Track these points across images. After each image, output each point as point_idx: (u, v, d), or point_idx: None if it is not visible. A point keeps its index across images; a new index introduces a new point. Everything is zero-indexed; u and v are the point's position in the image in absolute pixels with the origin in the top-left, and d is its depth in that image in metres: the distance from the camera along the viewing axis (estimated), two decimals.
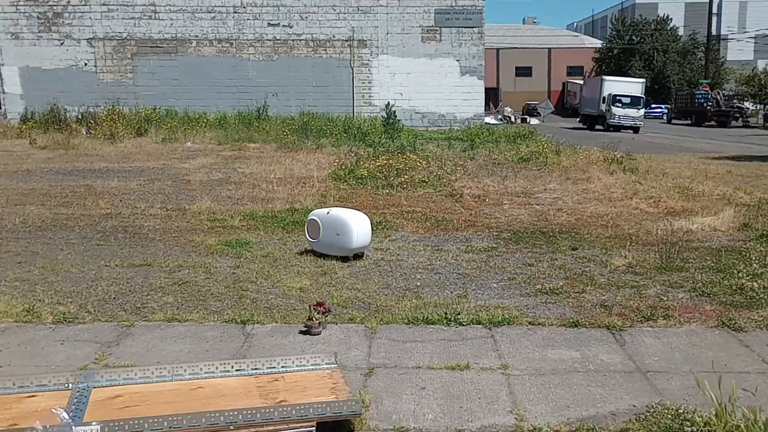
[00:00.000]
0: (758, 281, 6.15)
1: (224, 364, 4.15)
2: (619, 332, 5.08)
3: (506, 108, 55.07)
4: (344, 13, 26.23)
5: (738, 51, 70.29)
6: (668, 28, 67.31)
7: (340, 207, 9.10)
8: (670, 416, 3.69)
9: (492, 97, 59.54)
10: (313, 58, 26.36)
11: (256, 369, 4.12)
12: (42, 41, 27.44)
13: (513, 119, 48.19)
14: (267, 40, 26.52)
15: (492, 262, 7.29)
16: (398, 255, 7.60)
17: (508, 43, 70.62)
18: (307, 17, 26.30)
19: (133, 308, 5.78)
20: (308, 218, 7.62)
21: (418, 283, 6.52)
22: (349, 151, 16.78)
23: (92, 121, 23.46)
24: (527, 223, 9.49)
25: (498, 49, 68.85)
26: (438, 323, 5.36)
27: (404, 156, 15.00)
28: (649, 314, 5.39)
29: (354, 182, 12.81)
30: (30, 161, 16.16)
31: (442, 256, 7.55)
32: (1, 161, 16.03)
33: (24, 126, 23.94)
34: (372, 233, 7.88)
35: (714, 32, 55.49)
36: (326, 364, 4.20)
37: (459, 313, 5.44)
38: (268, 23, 26.51)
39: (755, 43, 69.97)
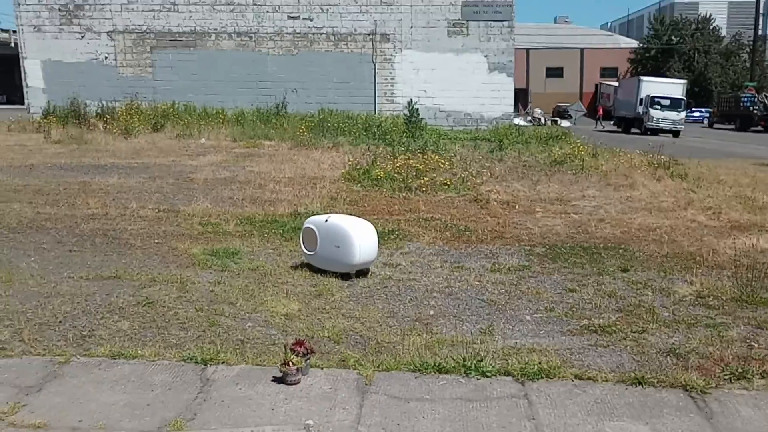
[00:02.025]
0: None
1: None
2: (702, 396, 3.74)
3: (536, 109, 53.37)
4: (366, 6, 25.01)
5: None
6: (710, 28, 64.93)
7: (345, 214, 7.89)
8: None
9: (521, 98, 57.92)
10: (334, 53, 25.20)
11: None
12: (63, 34, 26.70)
13: (543, 121, 46.56)
14: (287, 33, 25.42)
15: (524, 285, 6.01)
16: (410, 273, 6.36)
17: (539, 43, 68.86)
18: (328, 10, 25.13)
19: (76, 337, 4.63)
20: (304, 226, 6.41)
21: (432, 312, 5.28)
22: (366, 150, 15.56)
23: (110, 116, 22.64)
24: (564, 236, 8.17)
25: (528, 49, 67.12)
26: (454, 372, 4.11)
27: (425, 156, 13.74)
28: (739, 369, 4.05)
29: (368, 184, 11.58)
30: (38, 156, 15.23)
31: (462, 276, 6.28)
32: (9, 155, 15.12)
33: (45, 120, 23.19)
34: (381, 245, 6.70)
35: (760, 32, 53.17)
36: None
37: (481, 359, 4.18)
38: (288, 16, 25.40)
39: None
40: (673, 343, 4.55)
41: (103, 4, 26.21)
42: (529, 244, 7.68)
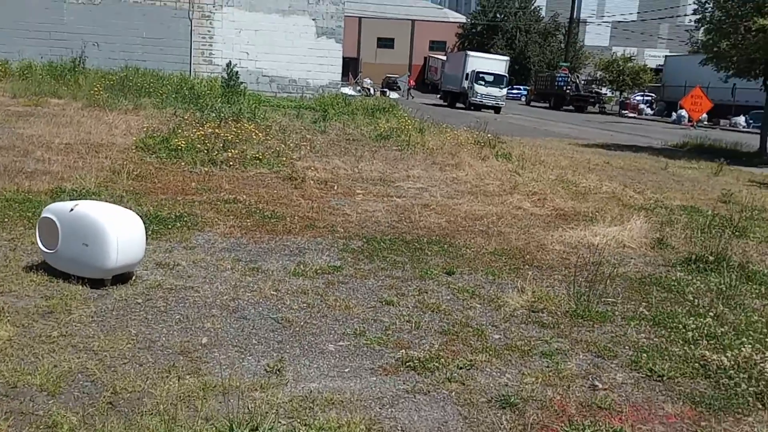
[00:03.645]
0: (724, 352, 4.04)
1: None
2: None
3: (365, 79, 52.77)
4: None
5: (596, 35, 71.82)
6: (531, 8, 67.44)
7: (128, 191, 6.40)
8: None
9: (351, 67, 57.11)
10: (144, 5, 22.51)
11: None
12: None
13: (372, 92, 45.95)
14: None
15: (332, 295, 4.80)
16: (189, 278, 4.94)
17: (371, 12, 68.25)
18: None
19: None
20: (41, 215, 4.77)
21: (205, 340, 3.93)
22: (173, 115, 13.70)
23: None
24: (385, 225, 7.10)
25: (360, 18, 66.29)
26: None
27: (238, 125, 12.18)
28: (586, 426, 3.11)
29: (165, 155, 9.88)
30: None
31: (257, 282, 4.97)
32: None
33: None
34: (162, 236, 5.33)
35: (575, 15, 55.80)
36: None
37: (256, 428, 2.92)
38: None
39: (612, 29, 71.89)
40: (506, 385, 3.54)
41: None
42: (344, 237, 6.51)
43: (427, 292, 4.97)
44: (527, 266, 5.79)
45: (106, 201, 6.96)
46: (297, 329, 4.17)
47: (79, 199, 6.88)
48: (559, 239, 6.82)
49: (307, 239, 6.33)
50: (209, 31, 23.07)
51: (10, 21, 22.16)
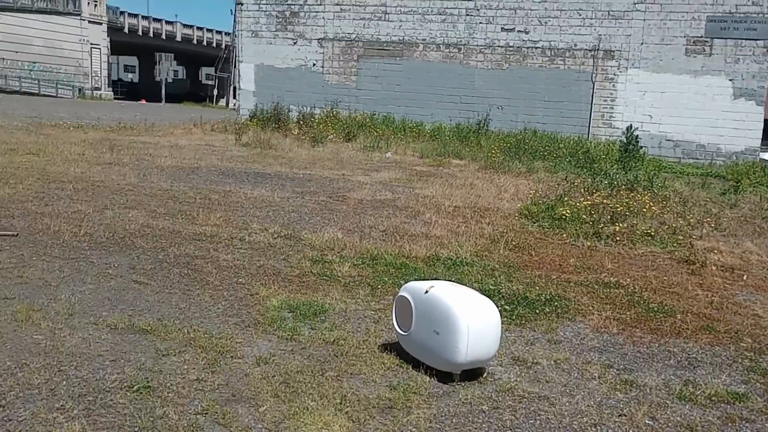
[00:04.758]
0: None
1: None
2: None
3: None
4: (591, 19, 22.24)
5: None
6: None
7: (503, 262, 5.99)
8: None
9: None
10: (549, 69, 22.72)
11: None
12: (277, 40, 27.16)
13: None
14: (498, 46, 23.44)
15: None
16: (547, 383, 4.18)
17: None
18: (546, 22, 22.75)
19: None
20: (399, 293, 4.51)
21: None
22: (563, 180, 13.20)
23: (305, 123, 22.39)
24: None
25: None
26: None
27: (631, 194, 11.11)
28: None
29: (548, 224, 9.34)
30: (212, 158, 14.87)
31: (628, 403, 3.99)
32: (187, 155, 14.94)
33: (250, 122, 23.61)
34: (529, 320, 4.74)
35: None
36: None
37: None
38: (502, 28, 23.40)
39: None
40: None
41: (317, 12, 26.19)
42: (753, 349, 5.10)
43: None
44: None
45: (479, 272, 6.65)
46: None
47: (452, 269, 6.70)
48: None
49: (702, 347, 5.09)
50: (611, 94, 22.26)
51: (428, 87, 24.35)
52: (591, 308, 5.79)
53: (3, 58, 53.78)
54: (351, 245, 7.44)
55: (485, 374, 4.21)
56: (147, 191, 9.89)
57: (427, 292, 4.19)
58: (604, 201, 10.22)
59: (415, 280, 6.23)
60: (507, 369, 4.36)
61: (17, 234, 6.64)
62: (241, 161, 14.75)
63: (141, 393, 3.57)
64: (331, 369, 4.14)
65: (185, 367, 3.98)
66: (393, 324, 4.49)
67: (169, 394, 3.60)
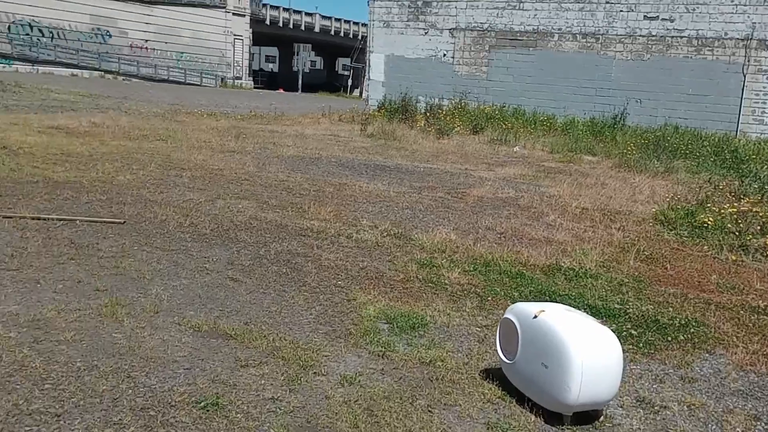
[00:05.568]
0: None
1: None
2: None
3: None
4: (744, 5, 20.19)
5: None
6: None
7: (633, 276, 5.36)
8: None
9: None
10: (694, 60, 20.91)
11: None
12: (409, 30, 26.89)
13: None
14: (639, 36, 21.86)
15: None
16: None
17: None
18: (694, 9, 20.93)
19: None
20: (504, 315, 3.97)
21: None
22: (706, 183, 11.98)
23: (432, 114, 21.96)
24: None
25: None
26: None
27: None
28: None
29: (686, 232, 8.39)
30: (335, 148, 14.78)
31: None
32: (311, 145, 14.96)
33: (377, 113, 23.53)
34: (661, 348, 4.11)
35: None
36: None
37: None
38: (645, 16, 21.78)
39: None
40: None
41: (450, 2, 25.63)
42: None
43: None
44: None
45: (604, 287, 5.96)
46: None
47: (574, 281, 6.06)
48: None
49: None
50: (765, 87, 20.20)
51: (561, 78, 23.21)
52: (735, 339, 4.97)
53: (154, 49, 57.08)
54: (463, 248, 6.93)
55: (602, 418, 3.60)
56: (263, 181, 9.82)
57: (536, 317, 3.63)
58: (754, 208, 9.06)
59: (535, 290, 5.67)
60: (629, 412, 3.72)
61: (124, 222, 6.65)
62: (363, 152, 14.54)
63: (208, 411, 3.27)
64: (422, 396, 3.68)
65: (262, 382, 3.65)
66: (496, 349, 3.95)
67: (238, 415, 3.27)
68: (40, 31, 49.80)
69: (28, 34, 49.11)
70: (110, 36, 54.00)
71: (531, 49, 24.16)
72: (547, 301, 5.36)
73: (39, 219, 6.42)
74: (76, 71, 48.95)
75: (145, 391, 3.38)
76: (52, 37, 50.35)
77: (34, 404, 3.15)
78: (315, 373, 3.84)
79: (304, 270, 5.81)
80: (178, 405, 3.28)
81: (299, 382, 3.71)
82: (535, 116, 22.43)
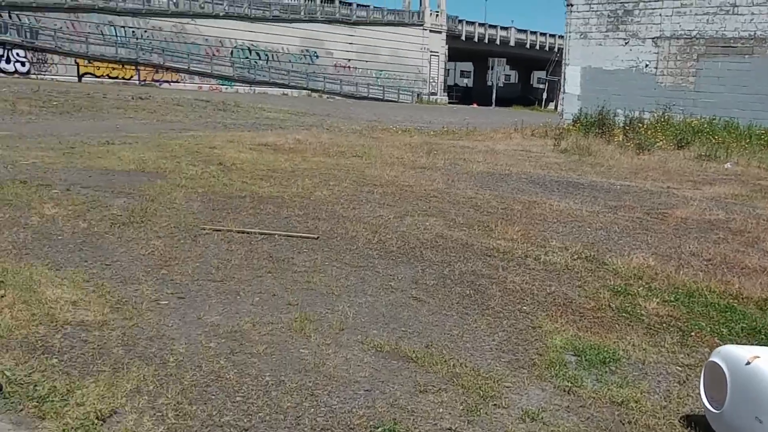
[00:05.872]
0: None
1: None
2: None
3: None
4: None
5: None
6: None
7: None
8: None
9: None
10: None
11: None
12: (607, 40, 25.85)
13: None
14: None
15: None
16: None
17: None
18: None
19: None
20: (711, 356, 3.58)
21: None
22: None
23: (631, 128, 20.86)
24: None
25: None
26: None
27: None
28: None
29: None
30: (525, 164, 14.52)
31: None
32: (501, 161, 14.83)
33: (572, 127, 22.87)
34: None
35: None
36: None
37: None
38: None
39: None
40: None
41: (654, 9, 24.22)
42: None
43: None
44: None
45: None
46: None
47: None
48: None
49: None
50: None
51: None
52: None
53: (356, 68, 59.92)
54: (663, 275, 6.43)
55: None
56: (451, 198, 9.83)
57: (749, 363, 3.23)
58: None
59: (743, 328, 5.12)
60: None
61: (317, 237, 6.93)
62: (555, 169, 14.11)
63: None
64: None
65: (440, 410, 3.59)
66: (701, 395, 3.58)
67: None
68: (258, 54, 54.33)
69: (247, 58, 53.79)
70: (317, 56, 57.58)
71: (747, 56, 22.16)
72: (763, 341, 4.83)
73: (243, 233, 6.88)
74: (286, 90, 52.66)
75: (326, 411, 3.45)
76: (267, 60, 54.71)
77: (225, 416, 3.33)
78: (495, 405, 3.71)
79: (488, 293, 5.69)
80: (356, 428, 3.32)
81: (478, 413, 3.59)
82: (750, 129, 20.51)
